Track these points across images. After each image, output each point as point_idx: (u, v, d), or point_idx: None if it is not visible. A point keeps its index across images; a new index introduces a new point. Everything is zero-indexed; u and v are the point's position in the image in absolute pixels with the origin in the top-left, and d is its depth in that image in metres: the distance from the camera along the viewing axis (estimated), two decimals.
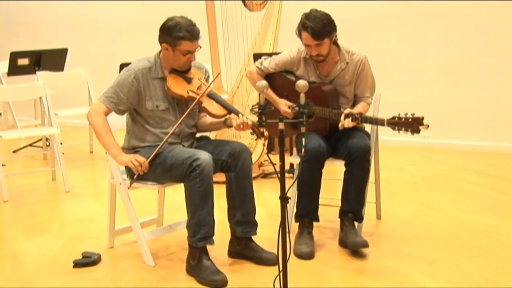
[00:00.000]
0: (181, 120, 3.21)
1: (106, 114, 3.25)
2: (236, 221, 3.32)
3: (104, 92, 3.26)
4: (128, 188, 3.27)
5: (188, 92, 3.24)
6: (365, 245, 3.34)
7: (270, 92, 3.63)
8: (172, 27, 3.17)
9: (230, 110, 3.30)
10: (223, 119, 3.34)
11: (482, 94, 5.77)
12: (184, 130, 3.33)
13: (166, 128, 3.28)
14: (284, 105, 3.61)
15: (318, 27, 3.36)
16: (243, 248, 3.35)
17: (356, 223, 3.50)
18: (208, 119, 3.49)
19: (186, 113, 3.22)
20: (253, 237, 3.36)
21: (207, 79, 3.42)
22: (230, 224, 3.36)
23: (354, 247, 3.36)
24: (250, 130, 3.22)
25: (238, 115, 3.24)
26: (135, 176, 3.18)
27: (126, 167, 3.35)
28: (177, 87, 3.24)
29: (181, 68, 3.28)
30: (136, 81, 3.22)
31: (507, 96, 5.67)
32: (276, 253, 2.67)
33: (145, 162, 3.13)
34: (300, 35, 3.46)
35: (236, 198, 3.29)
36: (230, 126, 3.35)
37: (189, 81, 3.29)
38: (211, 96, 3.31)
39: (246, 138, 5.02)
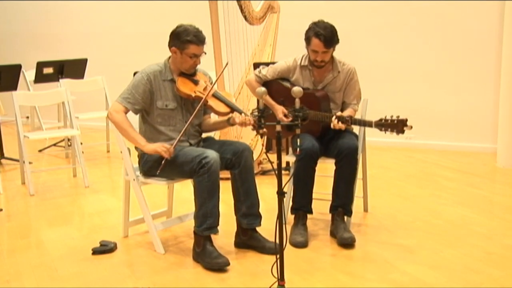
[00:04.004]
0: (193, 115, 3.20)
1: (125, 113, 3.23)
2: (241, 214, 3.31)
3: (121, 94, 3.25)
4: (159, 172, 3.15)
5: (195, 92, 3.25)
6: (352, 241, 3.32)
7: (268, 98, 3.61)
8: (181, 32, 3.20)
9: (233, 108, 3.31)
10: (226, 117, 3.34)
11: (457, 100, 5.77)
12: (190, 129, 3.32)
13: (174, 125, 3.28)
14: (280, 112, 3.58)
15: (330, 36, 3.37)
16: (249, 238, 3.33)
17: (345, 217, 3.49)
18: (211, 120, 3.48)
19: (196, 110, 3.21)
20: (256, 228, 3.34)
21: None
22: (237, 217, 3.34)
23: (342, 242, 3.34)
24: (251, 126, 3.21)
25: (240, 113, 3.23)
26: (163, 162, 3.12)
27: (139, 164, 3.34)
28: (185, 87, 3.25)
29: (187, 71, 3.28)
30: (149, 83, 3.23)
31: (479, 102, 5.67)
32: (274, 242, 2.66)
33: (170, 148, 3.11)
34: (309, 42, 3.44)
35: (240, 193, 3.28)
36: (233, 124, 3.35)
37: (195, 82, 3.30)
38: (215, 95, 3.32)
39: (247, 138, 5.01)
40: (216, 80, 3.33)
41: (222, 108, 3.30)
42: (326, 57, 3.46)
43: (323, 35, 3.36)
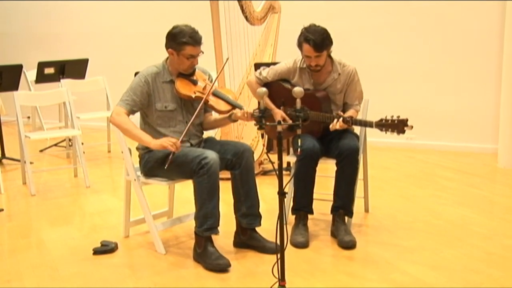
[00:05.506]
0: (195, 116, 3.19)
1: (127, 115, 3.22)
2: (241, 214, 3.30)
3: (121, 98, 3.25)
4: (166, 167, 3.09)
5: (195, 93, 3.24)
6: (353, 244, 3.32)
7: (268, 101, 3.59)
8: (177, 34, 3.18)
9: (234, 105, 3.30)
10: (228, 114, 3.33)
11: (458, 100, 5.76)
12: (191, 129, 3.31)
13: (174, 127, 3.28)
14: (280, 116, 3.53)
15: (319, 40, 3.34)
16: (248, 238, 3.33)
17: (346, 218, 3.49)
18: (212, 117, 3.48)
19: (197, 110, 3.20)
20: (256, 228, 3.35)
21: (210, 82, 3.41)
22: (236, 217, 3.34)
23: (343, 245, 3.33)
24: (254, 122, 3.20)
25: (241, 109, 3.23)
26: (170, 156, 3.09)
27: (140, 165, 3.34)
28: (185, 89, 3.24)
29: (185, 72, 3.27)
30: (146, 85, 3.22)
31: (480, 102, 5.67)
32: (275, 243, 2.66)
33: (177, 142, 3.09)
34: (301, 47, 3.44)
35: (241, 193, 3.27)
36: (235, 120, 3.34)
37: (195, 83, 3.30)
38: (216, 94, 3.32)
39: (248, 139, 5.01)
40: (216, 79, 3.32)
41: (223, 106, 3.30)
42: (321, 61, 3.44)
43: (313, 39, 3.33)
